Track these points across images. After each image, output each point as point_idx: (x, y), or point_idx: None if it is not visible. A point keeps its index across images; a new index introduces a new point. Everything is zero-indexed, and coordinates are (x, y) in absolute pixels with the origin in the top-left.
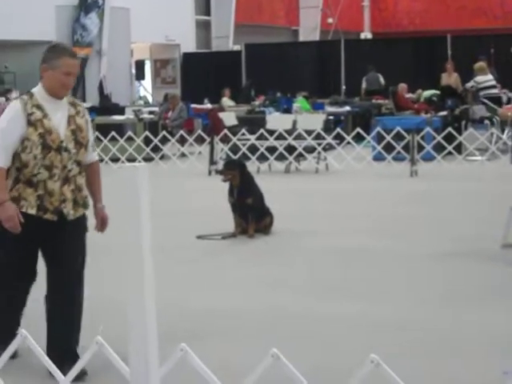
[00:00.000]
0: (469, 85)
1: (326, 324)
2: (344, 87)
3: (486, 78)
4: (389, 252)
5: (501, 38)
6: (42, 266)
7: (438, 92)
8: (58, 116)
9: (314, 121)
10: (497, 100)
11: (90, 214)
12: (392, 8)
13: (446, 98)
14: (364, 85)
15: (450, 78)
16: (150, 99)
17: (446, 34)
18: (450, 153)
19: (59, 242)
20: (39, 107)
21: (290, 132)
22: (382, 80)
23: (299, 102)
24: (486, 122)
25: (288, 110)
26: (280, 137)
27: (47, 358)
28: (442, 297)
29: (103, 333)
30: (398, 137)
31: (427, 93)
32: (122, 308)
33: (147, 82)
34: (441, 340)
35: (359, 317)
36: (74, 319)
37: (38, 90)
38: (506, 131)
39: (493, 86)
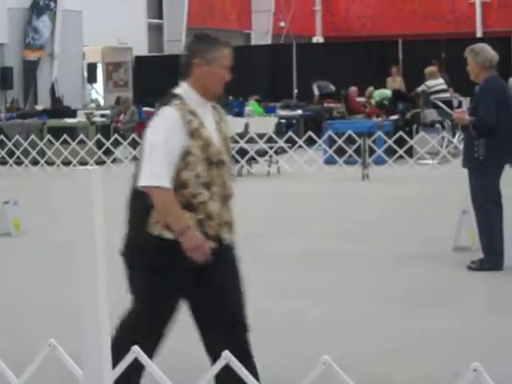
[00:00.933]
0: (419, 89)
1: (283, 325)
2: (296, 91)
3: (436, 82)
4: (343, 254)
5: (452, 43)
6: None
7: (388, 91)
8: (209, 122)
9: (265, 124)
10: (448, 104)
11: None
12: (344, 12)
13: (397, 102)
14: (316, 92)
15: (395, 82)
16: (102, 102)
17: (397, 38)
18: (401, 156)
19: (220, 274)
20: (193, 113)
21: (241, 135)
22: (331, 86)
23: (251, 106)
24: (437, 125)
25: (240, 114)
26: (232, 140)
27: None
28: (394, 298)
29: (58, 337)
30: (350, 140)
31: (378, 92)
32: (78, 309)
33: (99, 85)
34: (391, 341)
35: (311, 317)
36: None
37: (185, 92)
38: (456, 135)
39: (444, 90)
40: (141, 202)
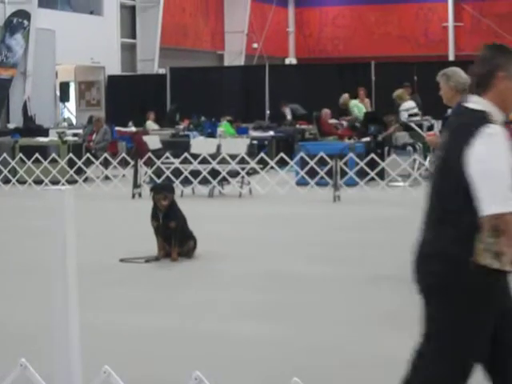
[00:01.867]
0: (405, 116)
1: (245, 346)
2: (268, 112)
3: (408, 106)
4: (314, 276)
5: (424, 66)
6: None
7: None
8: None
9: (237, 145)
10: (419, 127)
11: None
12: (317, 34)
13: (369, 124)
14: (289, 115)
15: (363, 104)
16: (74, 121)
17: (369, 60)
18: (372, 178)
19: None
20: None
21: (213, 156)
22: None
23: (223, 127)
24: (409, 148)
25: (212, 134)
26: (204, 161)
27: None
28: (366, 321)
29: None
30: (321, 162)
31: (355, 102)
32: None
33: (72, 104)
34: (349, 364)
35: (272, 340)
36: None
37: (486, 107)
38: (428, 157)
39: (415, 114)
40: (453, 229)
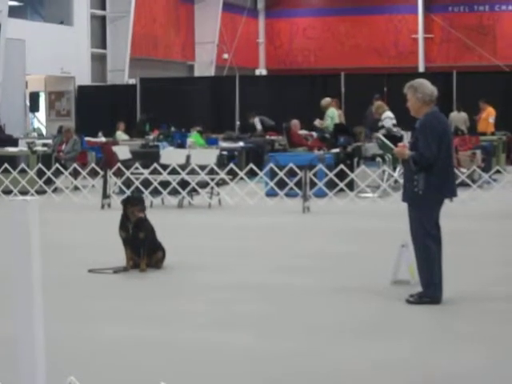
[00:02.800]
0: (389, 123)
1: (215, 355)
2: (238, 123)
3: (392, 115)
4: (282, 287)
5: (394, 77)
6: None
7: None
8: None
9: (207, 156)
10: (395, 138)
11: None
12: (287, 45)
13: (338, 136)
14: (259, 126)
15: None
16: (44, 131)
17: (340, 71)
18: (342, 189)
19: None
20: None
21: (183, 167)
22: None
23: (193, 137)
24: (378, 159)
25: (182, 145)
26: (173, 171)
27: None
28: (333, 331)
29: None
30: (291, 173)
31: (332, 110)
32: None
33: (41, 114)
34: (320, 373)
35: (245, 349)
36: None
37: None
38: (397, 169)
39: (394, 125)
40: None
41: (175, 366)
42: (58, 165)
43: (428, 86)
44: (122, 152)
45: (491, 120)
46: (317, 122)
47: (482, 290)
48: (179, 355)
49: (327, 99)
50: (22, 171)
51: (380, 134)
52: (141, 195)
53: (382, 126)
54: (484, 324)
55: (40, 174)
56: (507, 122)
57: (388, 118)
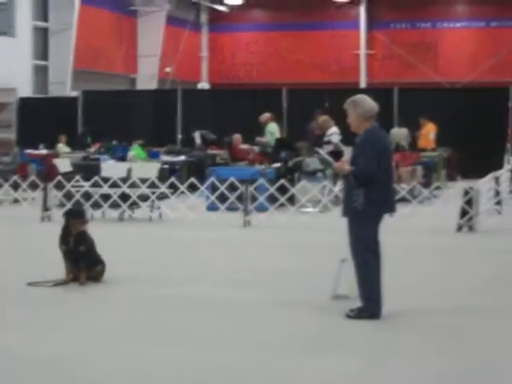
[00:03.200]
0: (336, 139)
1: (154, 372)
2: (180, 136)
3: (334, 131)
4: (221, 301)
5: (335, 92)
6: None
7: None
8: None
9: (148, 169)
10: (339, 154)
11: None
12: (230, 60)
13: (280, 150)
14: (198, 140)
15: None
16: None
17: (282, 86)
18: (283, 204)
19: None
20: None
21: (124, 180)
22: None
23: (135, 150)
24: (319, 174)
25: (123, 158)
26: (114, 184)
27: None
28: (273, 345)
29: None
30: (232, 187)
31: (272, 125)
32: None
33: None
34: None
35: (187, 364)
36: None
37: None
38: (338, 184)
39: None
40: None
41: (113, 379)
42: None
43: (368, 102)
44: (63, 164)
45: (432, 136)
46: (258, 140)
47: (421, 305)
48: (115, 369)
49: (266, 114)
50: None
51: (320, 150)
52: (83, 208)
53: (329, 142)
54: (423, 339)
55: None
56: (448, 138)
57: (335, 133)
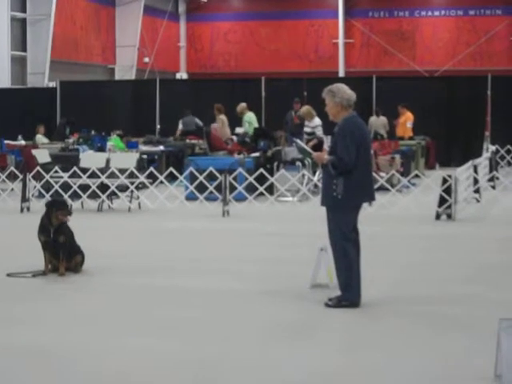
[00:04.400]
0: (320, 131)
1: (136, 360)
2: (159, 126)
3: (310, 124)
4: (201, 290)
5: (314, 81)
6: None
7: (254, 120)
8: None
9: (127, 159)
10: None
11: None
12: (208, 49)
13: (258, 140)
14: (180, 126)
15: (218, 123)
16: None
17: (260, 75)
18: (261, 193)
19: None
20: None
21: (103, 170)
22: (198, 122)
23: (113, 141)
24: (298, 163)
25: (102, 149)
26: (93, 175)
27: None
28: (253, 334)
29: None
30: (211, 177)
31: (249, 115)
32: None
33: None
34: (235, 376)
35: (168, 354)
36: None
37: None
38: (317, 173)
39: (313, 133)
40: None
41: (92, 371)
42: None
43: (346, 91)
44: (42, 155)
45: (409, 125)
46: (234, 138)
47: (400, 293)
48: (97, 359)
49: (242, 105)
50: None
51: (298, 140)
52: (64, 199)
53: (312, 133)
54: (402, 326)
55: None
56: (426, 126)
57: (319, 125)
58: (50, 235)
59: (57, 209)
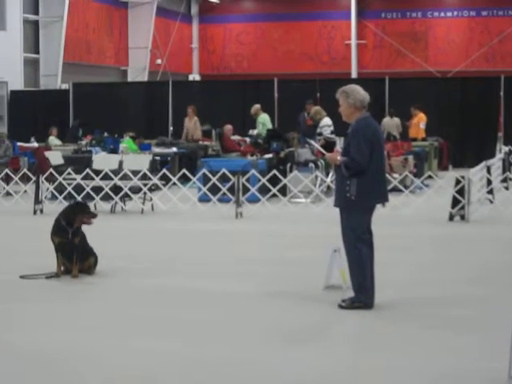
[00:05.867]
0: (327, 131)
1: (143, 361)
2: (171, 128)
3: (330, 122)
4: (216, 293)
5: (327, 83)
6: None
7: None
8: None
9: (140, 161)
10: (329, 145)
11: None
12: (220, 51)
13: (271, 141)
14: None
15: (191, 123)
16: None
17: (273, 77)
18: (274, 195)
19: None
20: None
21: (116, 172)
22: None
23: (126, 143)
24: (311, 164)
25: (115, 151)
26: (106, 177)
27: None
28: (266, 335)
29: None
30: (224, 178)
31: (263, 116)
32: None
33: None
34: (267, 380)
35: (174, 355)
36: None
37: None
38: (330, 174)
39: (332, 131)
40: None
41: (102, 371)
42: None
43: (360, 92)
44: (55, 157)
45: (422, 126)
46: (247, 139)
47: (414, 295)
48: (105, 361)
49: (256, 106)
50: None
51: (312, 140)
52: (87, 202)
53: (320, 134)
54: (417, 329)
55: None
56: (439, 127)
57: (326, 125)
58: (68, 237)
59: (82, 211)
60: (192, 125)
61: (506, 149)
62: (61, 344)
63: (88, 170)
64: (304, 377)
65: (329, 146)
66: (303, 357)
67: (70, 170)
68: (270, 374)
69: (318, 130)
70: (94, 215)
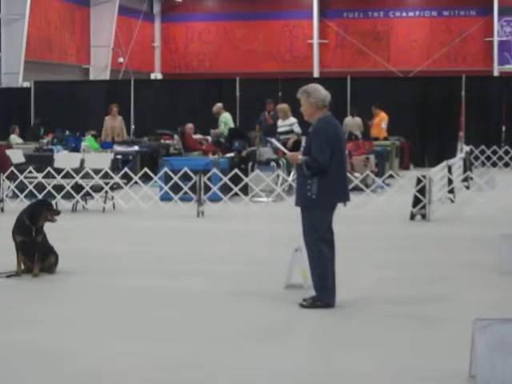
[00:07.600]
0: (298, 128)
1: (105, 362)
2: (133, 127)
3: (285, 123)
4: (175, 291)
5: (289, 82)
6: None
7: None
8: None
9: (101, 160)
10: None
11: None
12: (183, 50)
13: (233, 140)
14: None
15: (115, 121)
16: None
17: (235, 76)
18: (236, 194)
19: None
20: None
21: (77, 171)
22: None
23: (88, 141)
24: (273, 163)
25: (76, 149)
26: (67, 175)
27: None
28: (228, 336)
29: None
30: (185, 177)
31: (225, 115)
32: None
33: None
34: (225, 380)
35: (137, 356)
36: None
37: None
38: (291, 173)
39: (289, 132)
40: None
41: (63, 374)
42: None
43: (321, 91)
44: (16, 156)
45: (383, 125)
46: (212, 132)
47: (375, 294)
48: (69, 361)
49: (218, 105)
50: None
51: (273, 139)
52: (50, 200)
53: (291, 131)
54: (377, 327)
55: None
56: (401, 127)
57: (296, 122)
58: (31, 235)
59: (46, 209)
60: (118, 123)
61: (467, 148)
62: (19, 342)
63: (49, 168)
64: (264, 375)
65: (297, 144)
66: (264, 355)
67: (31, 168)
68: (230, 372)
69: (287, 129)
70: (58, 212)
